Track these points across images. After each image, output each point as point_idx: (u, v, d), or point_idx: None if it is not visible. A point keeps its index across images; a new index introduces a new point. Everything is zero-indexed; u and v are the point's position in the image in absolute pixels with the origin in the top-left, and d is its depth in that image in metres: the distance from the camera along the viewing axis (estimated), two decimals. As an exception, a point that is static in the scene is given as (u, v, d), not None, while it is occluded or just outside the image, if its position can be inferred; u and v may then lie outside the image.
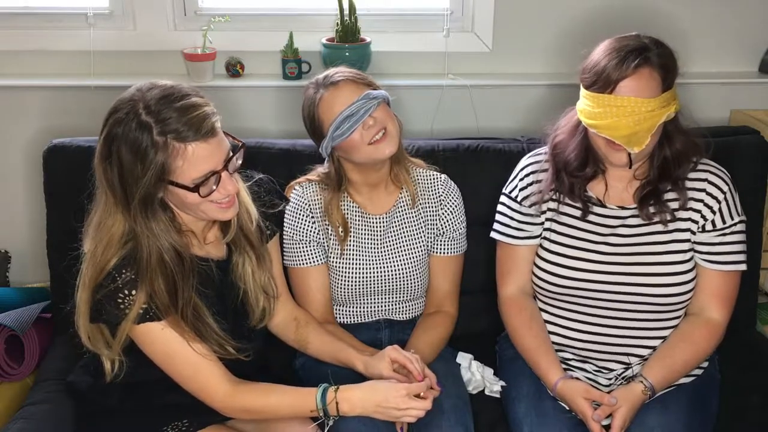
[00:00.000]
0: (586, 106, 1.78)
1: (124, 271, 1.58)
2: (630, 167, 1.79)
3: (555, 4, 2.62)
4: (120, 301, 1.58)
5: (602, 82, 1.73)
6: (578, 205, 1.89)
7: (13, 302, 2.26)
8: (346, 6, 2.53)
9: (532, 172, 1.95)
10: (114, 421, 1.74)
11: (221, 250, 1.77)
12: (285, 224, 2.01)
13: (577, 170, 1.87)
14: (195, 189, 1.55)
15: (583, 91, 1.80)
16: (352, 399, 1.65)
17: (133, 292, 1.58)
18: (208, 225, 1.74)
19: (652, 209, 1.84)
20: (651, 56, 1.72)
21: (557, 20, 2.63)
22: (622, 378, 1.88)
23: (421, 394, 1.66)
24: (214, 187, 1.57)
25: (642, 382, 1.79)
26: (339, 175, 1.97)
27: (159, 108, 1.50)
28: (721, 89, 2.69)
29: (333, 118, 1.87)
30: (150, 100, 1.51)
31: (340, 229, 1.98)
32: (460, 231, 2.06)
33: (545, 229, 1.93)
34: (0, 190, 2.69)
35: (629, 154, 1.75)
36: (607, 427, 1.76)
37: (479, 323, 2.23)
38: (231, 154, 1.60)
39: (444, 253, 2.05)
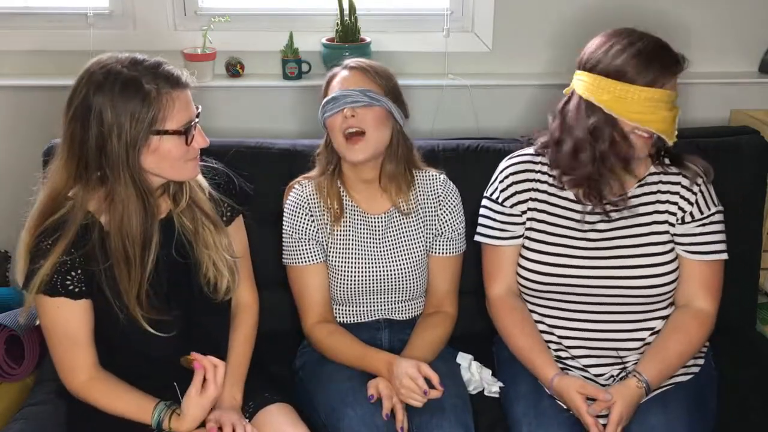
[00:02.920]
0: (632, 102, 1.75)
1: (52, 237, 1.65)
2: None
3: (555, 3, 2.63)
4: (36, 266, 1.65)
5: (653, 77, 1.75)
6: (551, 199, 1.92)
7: (13, 302, 2.26)
8: (346, 6, 2.53)
9: (512, 174, 1.96)
10: (106, 418, 1.74)
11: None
12: (284, 222, 2.02)
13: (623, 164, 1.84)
14: (185, 133, 1.63)
15: (620, 85, 1.76)
16: (181, 427, 1.69)
17: (42, 261, 1.64)
18: (160, 193, 1.76)
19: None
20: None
21: (557, 20, 2.63)
22: (619, 379, 1.87)
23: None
24: (194, 133, 1.66)
25: (636, 376, 1.79)
26: (330, 153, 1.99)
27: (136, 66, 1.61)
28: (721, 89, 2.69)
29: (330, 94, 1.93)
30: (124, 62, 1.62)
31: (336, 206, 1.99)
32: (458, 231, 2.06)
33: (527, 229, 1.94)
34: (0, 190, 2.69)
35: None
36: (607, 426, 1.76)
37: (478, 323, 2.22)
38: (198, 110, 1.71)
39: (443, 253, 2.05)
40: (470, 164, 2.24)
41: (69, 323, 1.70)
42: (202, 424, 1.70)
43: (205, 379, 1.67)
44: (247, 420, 1.77)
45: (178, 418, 1.68)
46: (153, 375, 1.76)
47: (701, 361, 1.94)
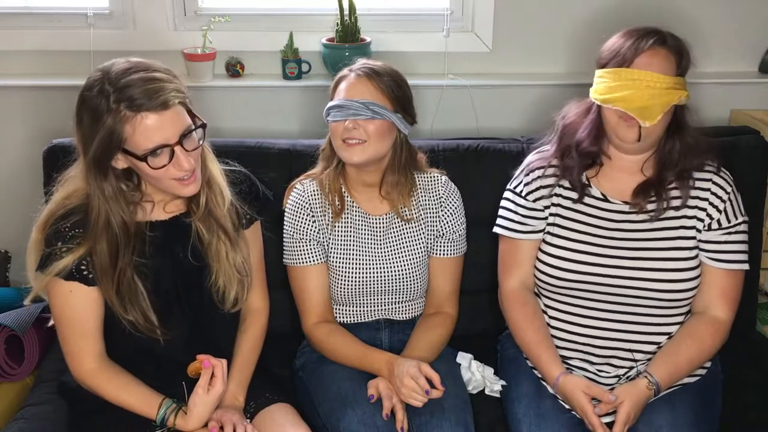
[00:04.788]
0: (602, 83, 1.83)
1: (71, 221, 1.66)
2: (639, 140, 1.81)
3: (555, 4, 2.62)
4: (54, 248, 1.65)
5: (620, 57, 1.81)
6: (574, 194, 1.91)
7: (13, 302, 2.26)
8: (346, 6, 2.53)
9: (538, 168, 1.96)
10: (106, 418, 1.75)
11: (173, 214, 1.78)
12: (285, 222, 2.02)
13: (587, 148, 1.89)
14: (143, 159, 1.59)
15: (598, 72, 1.86)
16: (187, 426, 1.70)
17: (69, 246, 1.66)
18: (172, 197, 1.76)
19: (650, 203, 1.86)
20: (666, 39, 1.81)
21: (557, 20, 2.63)
22: (627, 378, 1.88)
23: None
24: (166, 162, 1.61)
25: (647, 377, 1.80)
26: (333, 149, 1.97)
27: (119, 78, 1.57)
28: (721, 89, 2.69)
29: (336, 98, 1.92)
30: (114, 71, 1.59)
31: (337, 201, 1.99)
32: (459, 233, 2.06)
33: (549, 224, 1.93)
34: (0, 190, 2.69)
35: (639, 130, 1.79)
36: (610, 425, 1.76)
37: (479, 323, 2.23)
38: (189, 130, 1.64)
39: (444, 254, 2.05)
40: (470, 164, 2.24)
41: (79, 309, 1.71)
42: (204, 425, 1.71)
43: (212, 377, 1.68)
44: (248, 420, 1.77)
45: (184, 417, 1.69)
46: (158, 374, 1.76)
47: (708, 364, 1.94)
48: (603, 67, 1.85)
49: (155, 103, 1.57)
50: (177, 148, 1.61)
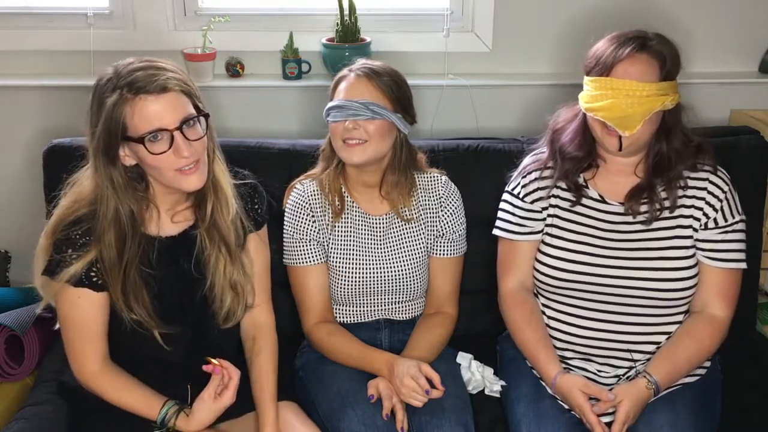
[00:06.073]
0: (586, 91, 1.84)
1: (81, 228, 1.66)
2: (621, 150, 1.81)
3: (555, 3, 2.63)
4: (64, 255, 1.65)
5: (601, 66, 1.80)
6: (571, 195, 1.91)
7: (13, 302, 2.26)
8: (346, 6, 2.53)
9: (536, 170, 1.97)
10: (106, 418, 1.75)
11: (182, 227, 1.78)
12: (285, 222, 2.02)
13: (571, 153, 1.90)
14: (141, 141, 1.60)
15: (584, 79, 1.85)
16: (187, 427, 1.70)
17: (78, 253, 1.66)
18: (179, 202, 1.76)
19: (643, 206, 1.86)
20: (649, 44, 1.79)
21: (557, 20, 2.64)
22: (627, 378, 1.87)
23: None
24: (166, 148, 1.61)
25: (646, 377, 1.80)
26: (333, 149, 1.97)
27: (126, 69, 1.62)
28: (721, 89, 2.69)
29: (336, 98, 1.92)
30: (123, 64, 1.64)
31: (337, 201, 1.99)
32: (459, 233, 2.06)
33: (547, 225, 1.94)
34: (0, 190, 2.69)
35: (620, 139, 1.79)
36: (610, 425, 1.76)
37: (479, 323, 2.23)
38: (190, 117, 1.64)
39: (444, 254, 2.05)
40: (470, 164, 2.24)
41: (86, 314, 1.71)
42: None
43: (223, 386, 1.68)
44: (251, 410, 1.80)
45: (185, 418, 1.69)
46: (161, 378, 1.76)
47: (707, 363, 1.94)
48: (588, 74, 1.84)
49: (154, 86, 1.59)
50: (176, 134, 1.62)
